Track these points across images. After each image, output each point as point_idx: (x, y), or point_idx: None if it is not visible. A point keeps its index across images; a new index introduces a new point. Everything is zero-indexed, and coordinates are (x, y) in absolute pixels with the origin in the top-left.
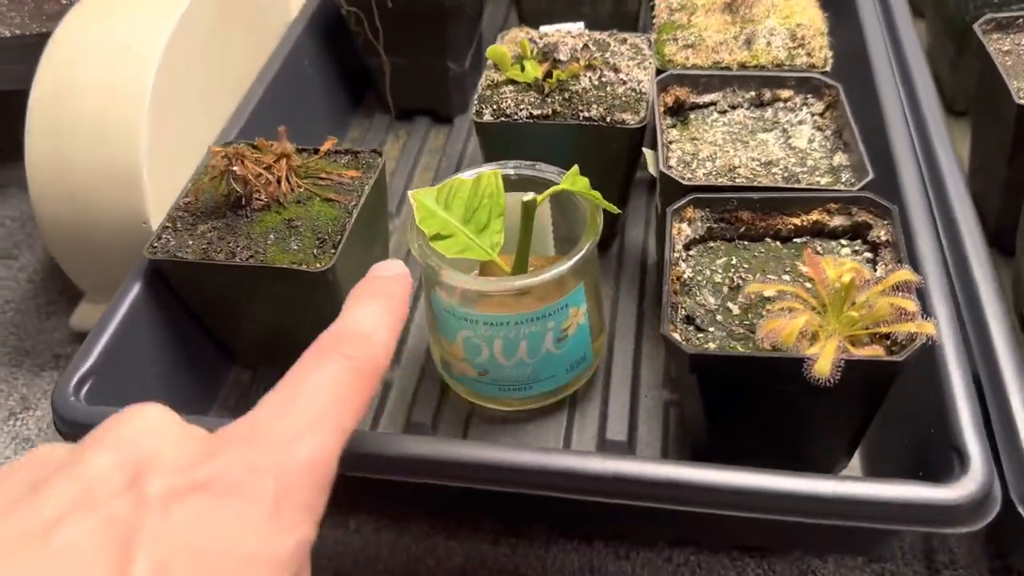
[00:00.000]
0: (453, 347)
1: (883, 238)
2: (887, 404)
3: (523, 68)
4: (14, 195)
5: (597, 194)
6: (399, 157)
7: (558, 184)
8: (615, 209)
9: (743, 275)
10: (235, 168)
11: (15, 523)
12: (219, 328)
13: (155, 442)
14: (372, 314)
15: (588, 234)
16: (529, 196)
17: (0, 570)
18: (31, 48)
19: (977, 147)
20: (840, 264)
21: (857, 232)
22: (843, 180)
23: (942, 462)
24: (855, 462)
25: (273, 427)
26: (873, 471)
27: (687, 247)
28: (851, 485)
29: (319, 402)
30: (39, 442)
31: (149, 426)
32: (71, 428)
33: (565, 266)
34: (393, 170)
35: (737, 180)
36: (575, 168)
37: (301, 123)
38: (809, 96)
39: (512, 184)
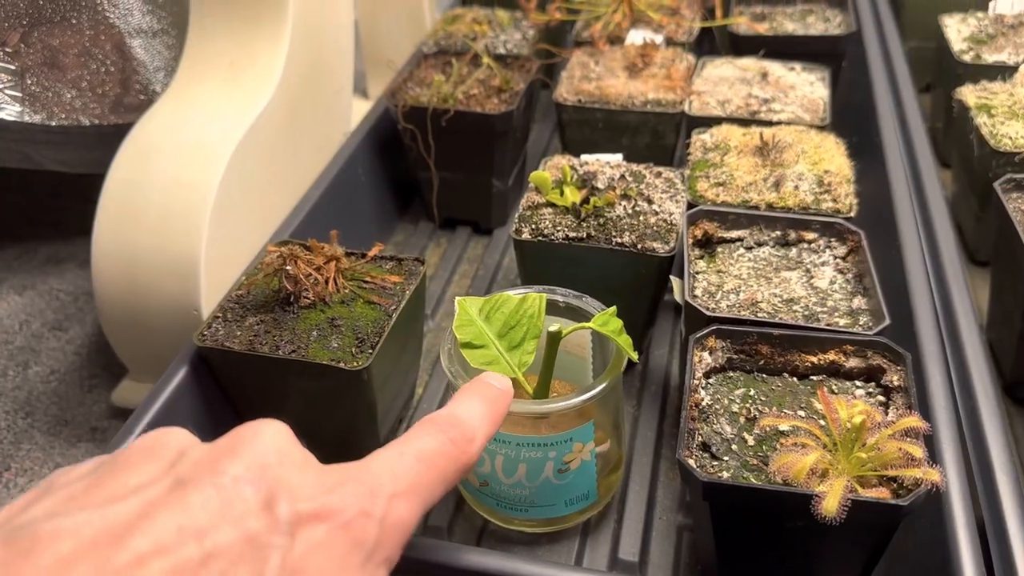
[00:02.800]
0: None
1: (896, 383)
2: (896, 546)
3: (562, 193)
4: (71, 270)
5: (627, 339)
6: (439, 263)
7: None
8: (634, 357)
9: (760, 407)
10: (288, 267)
11: (172, 516)
12: (256, 416)
13: (283, 465)
14: (478, 412)
15: (605, 375)
16: (555, 327)
17: (166, 560)
18: (107, 137)
19: (995, 298)
20: (852, 405)
21: (871, 375)
22: (861, 323)
23: None
24: None
25: (383, 480)
26: None
27: (707, 375)
28: None
29: (420, 471)
30: None
31: (277, 446)
32: None
33: (570, 402)
34: (432, 275)
35: (759, 314)
36: (612, 309)
37: (351, 225)
38: (833, 240)
39: (559, 310)
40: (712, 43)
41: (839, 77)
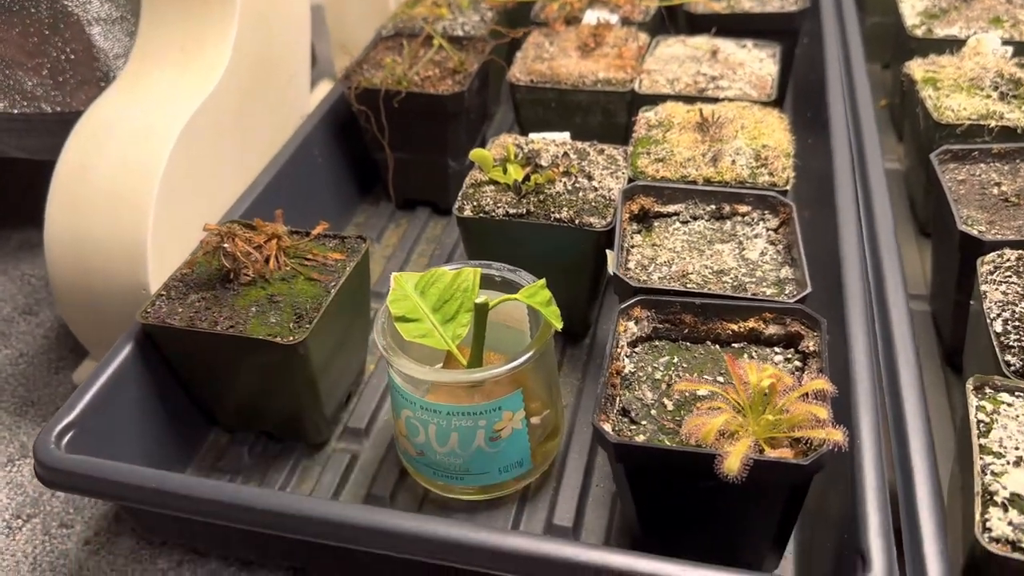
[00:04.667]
0: (399, 423)
1: (812, 348)
2: (815, 506)
3: (505, 170)
4: (43, 255)
5: (554, 309)
6: (397, 244)
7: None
8: (558, 326)
9: (682, 374)
10: (226, 245)
11: None
12: (201, 391)
13: None
14: None
15: (533, 343)
16: (483, 299)
17: None
18: (69, 124)
19: (935, 270)
20: (763, 370)
21: (790, 341)
22: (786, 292)
23: (849, 565)
24: (788, 564)
25: None
26: (803, 570)
27: (632, 344)
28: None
29: None
30: (31, 489)
31: None
32: (50, 475)
33: (497, 370)
34: (390, 255)
35: (688, 286)
36: (541, 282)
37: (308, 206)
38: (766, 212)
39: (495, 284)
40: (669, 22)
41: (795, 52)
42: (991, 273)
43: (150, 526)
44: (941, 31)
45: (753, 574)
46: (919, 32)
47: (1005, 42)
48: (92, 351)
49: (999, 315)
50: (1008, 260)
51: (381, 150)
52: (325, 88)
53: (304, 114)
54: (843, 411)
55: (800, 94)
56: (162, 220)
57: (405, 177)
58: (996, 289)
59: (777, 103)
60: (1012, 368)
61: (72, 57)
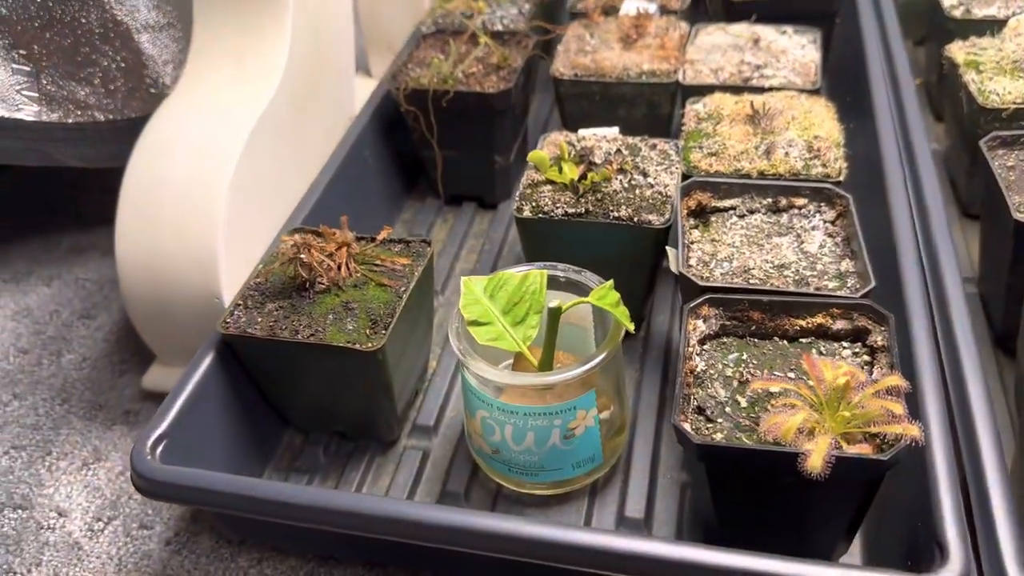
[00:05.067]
0: (473, 422)
1: (880, 343)
2: (884, 496)
3: (561, 170)
4: (94, 259)
5: (623, 310)
6: (446, 239)
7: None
8: (630, 327)
9: (752, 370)
10: (302, 256)
11: None
12: (278, 395)
13: None
14: None
15: (604, 346)
16: (556, 303)
17: None
18: (122, 132)
19: (984, 253)
20: (837, 367)
21: (858, 336)
22: (848, 285)
23: (927, 554)
24: (856, 549)
25: None
26: (871, 559)
27: (701, 342)
28: (836, 571)
29: None
30: (109, 491)
31: None
32: (148, 485)
33: (571, 373)
34: (440, 251)
35: (751, 281)
36: (609, 283)
37: (360, 206)
38: (823, 204)
39: (560, 285)
40: (706, 9)
41: (833, 35)
42: None
43: (231, 526)
44: (980, 11)
45: (842, 568)
46: (957, 13)
47: None
48: (160, 357)
49: None
50: None
51: (428, 148)
52: (362, 84)
53: (352, 115)
54: (910, 402)
55: (838, 78)
56: (231, 229)
57: (452, 173)
58: None
59: (823, 90)
60: None
61: (123, 65)
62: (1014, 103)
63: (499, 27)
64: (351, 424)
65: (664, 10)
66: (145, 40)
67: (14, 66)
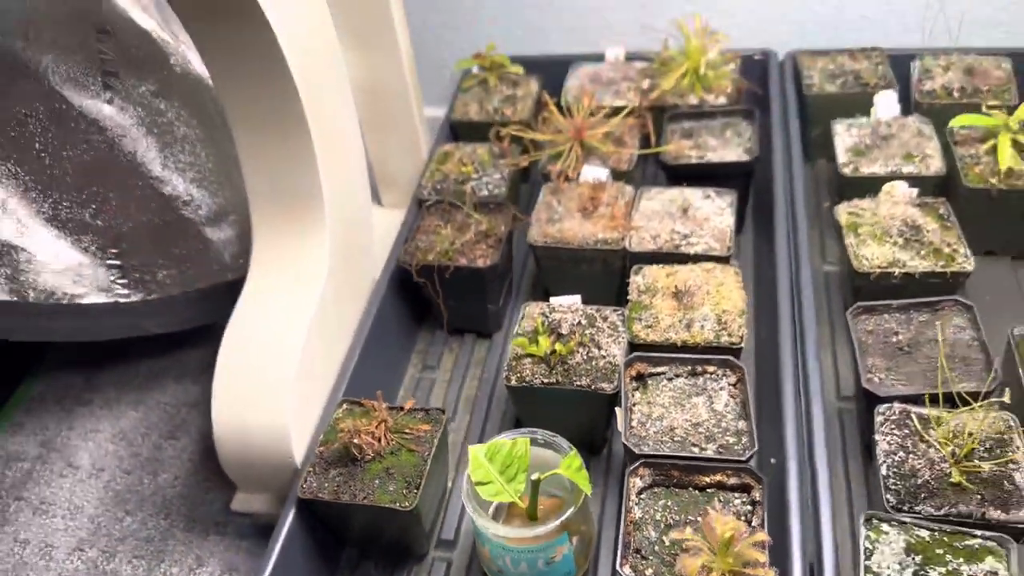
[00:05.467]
0: (483, 550)
1: (758, 498)
2: None
3: (537, 343)
4: (168, 383)
5: (584, 475)
6: (452, 368)
7: (567, 452)
8: (588, 491)
9: (674, 515)
10: (355, 440)
11: None
12: (339, 529)
13: None
14: None
15: (571, 503)
16: (536, 475)
17: None
18: (193, 301)
19: None
20: (726, 524)
21: (745, 489)
22: (742, 443)
23: None
24: None
25: None
26: None
27: (639, 493)
28: None
29: None
30: None
31: None
32: None
33: (549, 526)
34: (448, 379)
35: (675, 439)
36: (573, 452)
37: (384, 350)
38: (727, 370)
39: (540, 444)
40: (648, 166)
41: (750, 190)
42: (882, 425)
43: None
44: (865, 169)
45: None
46: (847, 171)
47: (914, 177)
48: (242, 488)
49: (884, 461)
50: (894, 414)
51: (436, 299)
52: (377, 212)
53: (374, 277)
54: (785, 543)
55: (753, 232)
56: (297, 403)
57: (453, 315)
58: (884, 439)
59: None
60: (891, 504)
61: (192, 251)
62: (879, 267)
63: (485, 192)
64: (393, 545)
65: (615, 173)
66: (208, 230)
67: (109, 262)
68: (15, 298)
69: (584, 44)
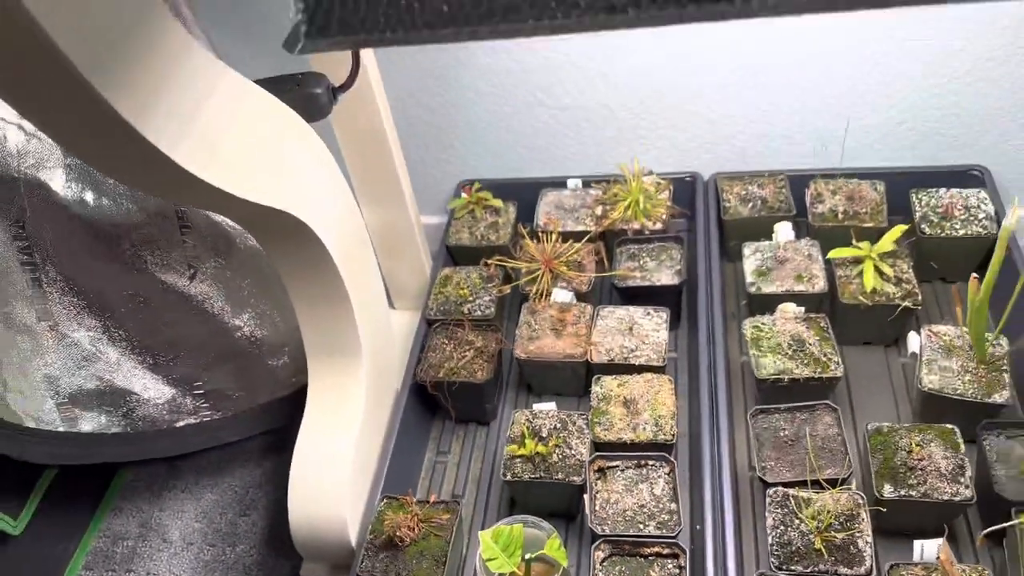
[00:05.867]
0: None
1: (683, 564)
2: None
3: (525, 445)
4: (237, 468)
5: (562, 553)
6: (460, 452)
7: (550, 532)
8: (565, 564)
9: None
10: (398, 533)
11: None
12: None
13: None
14: None
15: (554, 572)
16: (529, 555)
17: None
18: (256, 415)
19: None
20: None
21: (674, 557)
22: (672, 520)
23: None
24: None
25: None
26: None
27: (601, 562)
28: None
29: None
30: None
31: None
32: None
33: None
34: (458, 462)
35: (626, 518)
36: (555, 534)
37: (408, 441)
38: (662, 463)
39: (529, 525)
40: (607, 285)
41: (682, 302)
42: (770, 504)
43: None
44: (766, 289)
45: None
46: (752, 290)
47: (803, 295)
48: (308, 560)
49: (771, 532)
50: (778, 496)
51: (445, 402)
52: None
53: (397, 388)
54: None
55: (687, 345)
56: (350, 497)
57: (460, 412)
58: (771, 515)
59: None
60: (775, 565)
61: (257, 377)
62: (773, 375)
63: (479, 313)
64: None
65: (577, 294)
66: (269, 360)
67: (195, 392)
68: (129, 430)
69: (552, 170)
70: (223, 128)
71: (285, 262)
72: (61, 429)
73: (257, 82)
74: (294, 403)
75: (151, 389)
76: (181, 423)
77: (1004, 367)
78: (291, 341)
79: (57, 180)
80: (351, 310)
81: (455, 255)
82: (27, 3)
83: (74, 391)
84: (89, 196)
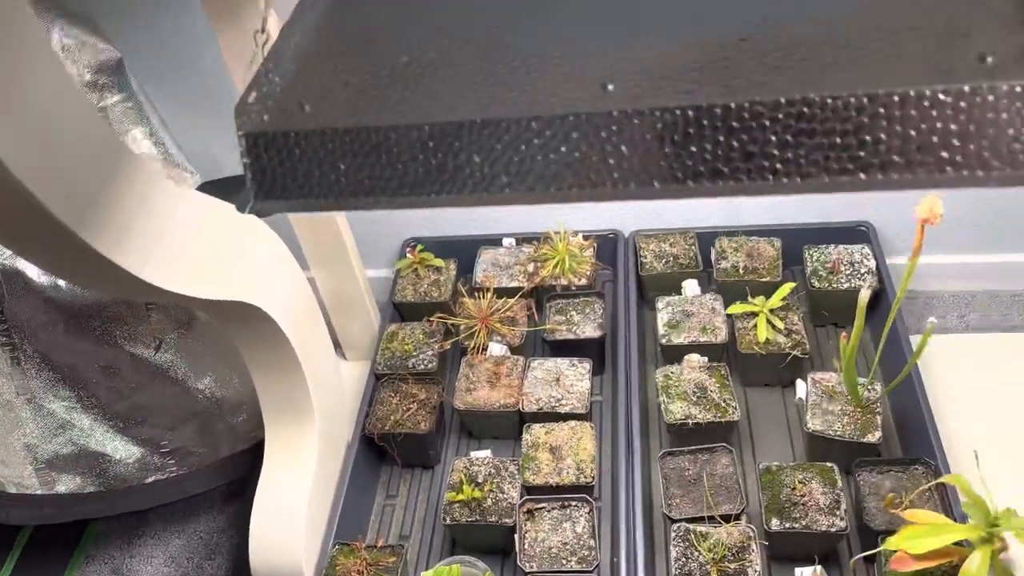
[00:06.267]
0: None
1: None
2: None
3: (463, 491)
4: (203, 515)
5: None
6: (407, 495)
7: (484, 571)
8: None
9: None
10: (352, 572)
11: None
12: None
13: None
14: None
15: None
16: None
17: None
18: (218, 465)
19: None
20: None
21: None
22: (591, 556)
23: None
24: None
25: None
26: None
27: None
28: None
29: None
30: None
31: None
32: None
33: None
34: (406, 504)
35: (551, 555)
36: (489, 573)
37: (359, 488)
38: (584, 503)
39: (466, 564)
40: (538, 338)
41: (605, 353)
42: (674, 538)
43: None
44: (675, 339)
45: None
46: (664, 342)
47: (707, 345)
48: None
49: (674, 564)
50: (681, 531)
51: (392, 451)
52: (343, 365)
53: (348, 440)
54: None
55: (610, 391)
56: (305, 543)
57: (405, 459)
58: (675, 548)
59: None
60: None
61: (218, 434)
62: (679, 420)
63: (422, 368)
64: None
65: (511, 348)
66: (229, 417)
67: (162, 451)
68: (102, 489)
69: (488, 228)
70: (183, 243)
71: (241, 336)
72: (40, 492)
73: (213, 182)
74: (253, 454)
75: (121, 450)
76: (150, 479)
77: (877, 410)
78: (249, 400)
79: (32, 268)
80: (303, 375)
81: (401, 311)
82: (17, 173)
83: (51, 457)
84: (62, 281)
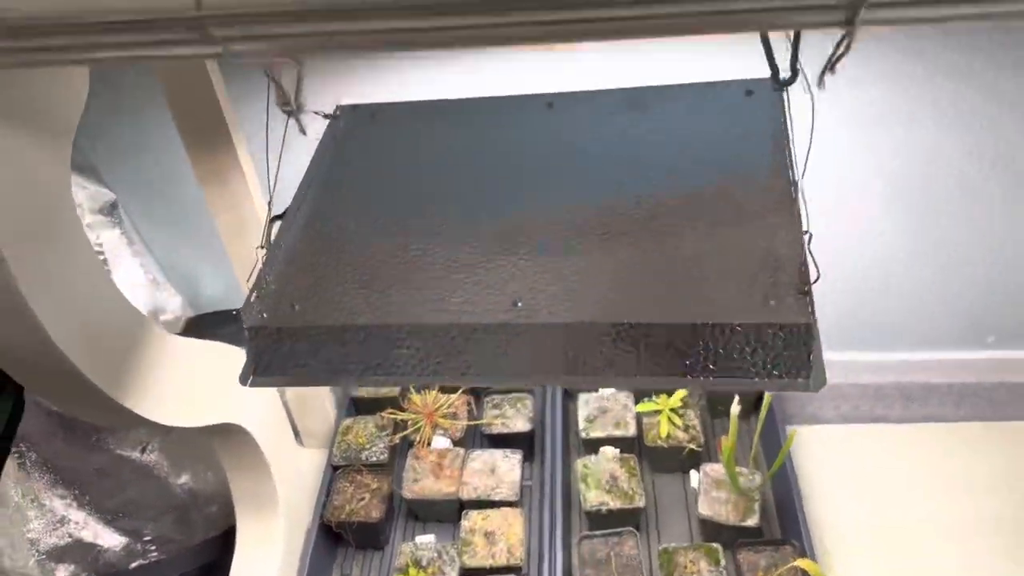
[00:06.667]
0: None
1: None
2: None
3: (408, 573)
4: None
5: None
6: (361, 574)
7: None
8: None
9: None
10: None
11: None
12: None
13: None
14: None
15: None
16: None
17: None
18: (194, 549)
19: None
20: None
21: None
22: None
23: None
24: None
25: None
26: None
27: None
28: None
29: None
30: None
31: None
32: None
33: None
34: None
35: None
36: None
37: (318, 570)
38: None
39: None
40: (478, 431)
41: (534, 448)
42: None
43: None
44: (593, 433)
45: None
46: (584, 435)
47: (619, 439)
48: None
49: None
50: None
51: (347, 536)
52: (301, 451)
53: (307, 525)
54: None
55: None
56: None
57: (358, 542)
58: None
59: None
60: None
61: (193, 523)
62: (594, 507)
63: (375, 459)
64: None
65: (453, 440)
66: (204, 508)
67: (144, 539)
68: (93, 575)
69: None
70: (175, 382)
71: (218, 442)
72: None
73: (205, 315)
74: (226, 538)
75: (110, 540)
76: (134, 564)
77: (756, 497)
78: (222, 492)
79: None
80: (270, 473)
81: (357, 405)
82: (60, 345)
83: (50, 548)
84: None
